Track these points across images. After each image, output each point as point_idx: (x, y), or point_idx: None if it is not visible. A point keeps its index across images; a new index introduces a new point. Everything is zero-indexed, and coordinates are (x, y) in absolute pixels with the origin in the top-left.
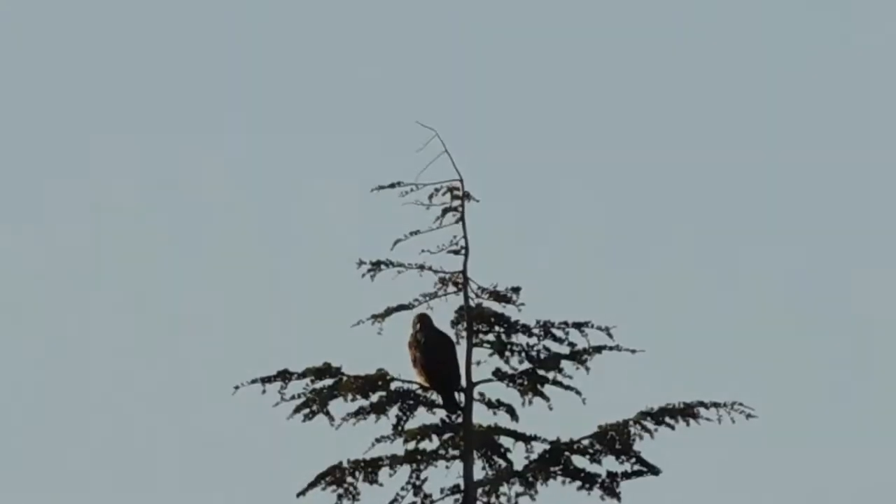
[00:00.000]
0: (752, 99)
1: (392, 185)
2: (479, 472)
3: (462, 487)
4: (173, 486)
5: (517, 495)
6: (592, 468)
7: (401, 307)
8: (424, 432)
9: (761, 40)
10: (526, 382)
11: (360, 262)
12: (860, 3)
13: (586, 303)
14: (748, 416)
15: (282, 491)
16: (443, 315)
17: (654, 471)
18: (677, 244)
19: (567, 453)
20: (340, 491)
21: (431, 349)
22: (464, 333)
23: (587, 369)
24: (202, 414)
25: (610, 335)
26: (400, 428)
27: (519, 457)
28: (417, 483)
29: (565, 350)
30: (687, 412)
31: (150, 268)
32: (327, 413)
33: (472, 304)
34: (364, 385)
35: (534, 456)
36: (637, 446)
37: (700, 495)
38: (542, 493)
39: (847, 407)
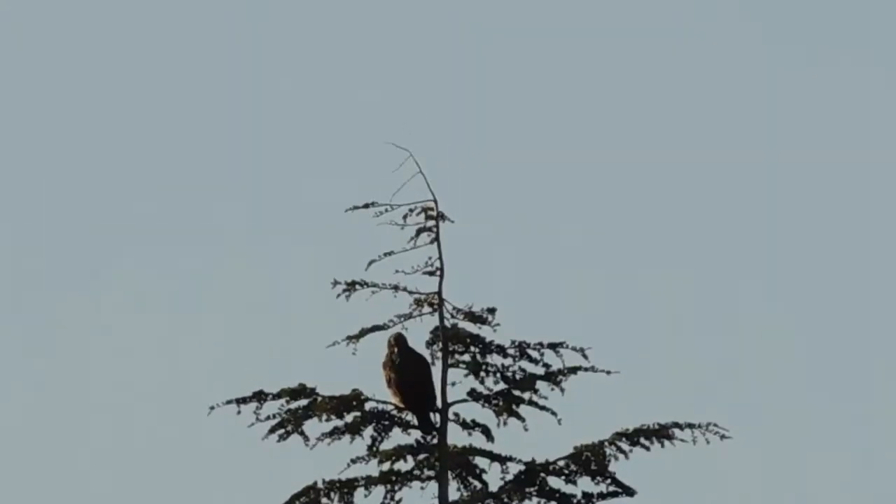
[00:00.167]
0: (732, 118)
1: (366, 206)
2: (454, 493)
3: None
4: None
5: None
6: (568, 489)
7: (376, 328)
8: (399, 453)
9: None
10: (501, 403)
11: (335, 283)
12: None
13: (561, 324)
14: (723, 437)
15: None
16: (418, 336)
17: (629, 492)
18: (652, 266)
19: (542, 474)
20: None
21: (406, 370)
22: (439, 354)
23: (562, 390)
24: (178, 435)
25: (585, 356)
26: (375, 448)
27: (494, 478)
28: None
29: (540, 371)
30: (662, 433)
31: (126, 286)
32: (302, 433)
33: (447, 324)
34: (339, 405)
35: (509, 477)
36: (612, 467)
37: None
38: None
39: (824, 427)
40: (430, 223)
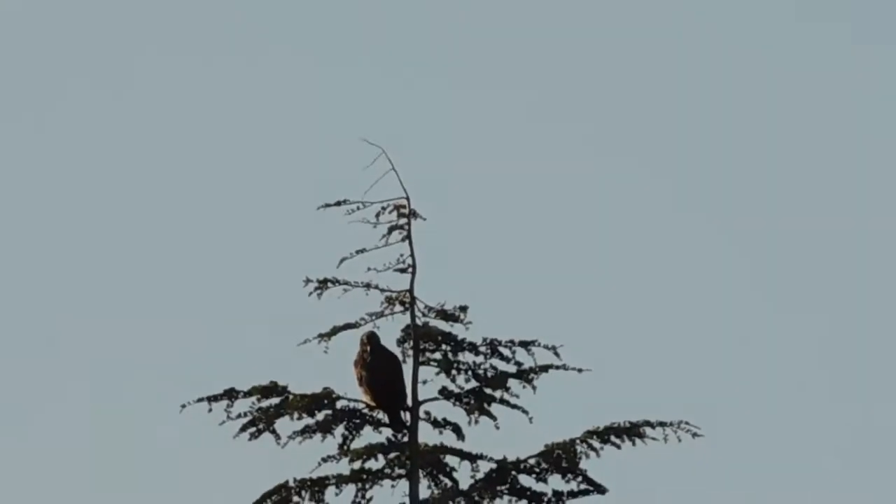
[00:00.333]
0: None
1: (338, 203)
2: (424, 492)
3: None
4: None
5: None
6: (539, 487)
7: (347, 326)
8: (370, 451)
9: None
10: (472, 401)
11: (307, 280)
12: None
13: (533, 322)
14: (694, 435)
15: None
16: (390, 334)
17: (600, 490)
18: (624, 262)
19: (513, 472)
20: None
21: (378, 368)
22: (410, 352)
23: (534, 388)
24: (148, 433)
25: (557, 354)
26: (346, 447)
27: (465, 476)
28: (363, 502)
29: (512, 369)
30: (633, 431)
31: (104, 273)
32: (273, 432)
33: (418, 322)
34: (310, 404)
35: (480, 475)
36: (583, 465)
37: None
38: None
39: (797, 426)
40: (402, 221)
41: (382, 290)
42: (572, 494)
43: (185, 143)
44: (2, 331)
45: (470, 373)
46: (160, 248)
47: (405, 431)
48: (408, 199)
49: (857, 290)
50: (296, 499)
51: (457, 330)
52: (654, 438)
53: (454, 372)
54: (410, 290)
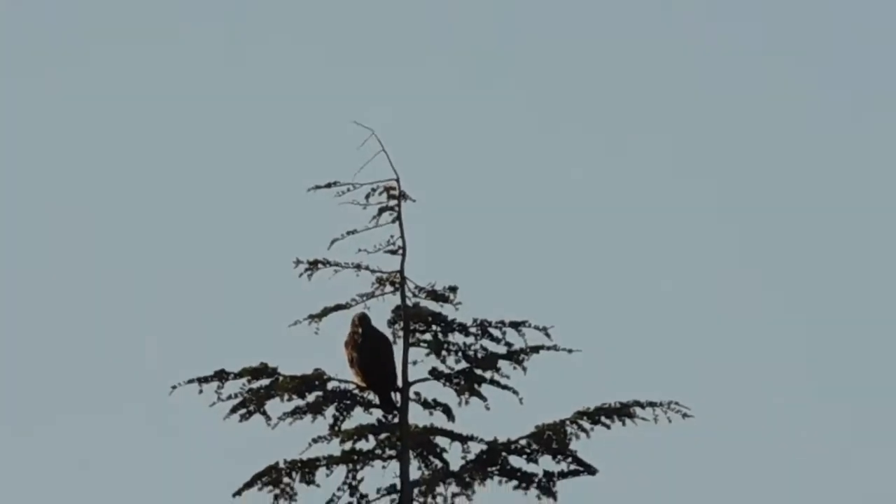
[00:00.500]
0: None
1: (328, 185)
2: (415, 473)
3: (398, 487)
4: (110, 487)
5: (453, 495)
6: (529, 468)
7: (338, 307)
8: (361, 432)
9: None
10: (463, 382)
11: (297, 262)
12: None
13: (523, 302)
14: (684, 415)
15: (218, 491)
16: (380, 315)
17: (590, 470)
18: (614, 243)
19: (504, 453)
20: (277, 491)
21: (368, 349)
22: (400, 333)
23: (524, 369)
24: (139, 413)
25: (547, 335)
26: (336, 428)
27: (455, 457)
28: (354, 483)
29: (502, 350)
30: (623, 412)
31: (96, 262)
32: (264, 413)
33: (409, 303)
34: (300, 385)
35: (470, 456)
36: (574, 446)
37: (636, 495)
38: (479, 494)
39: (790, 406)
40: (393, 202)
41: (373, 272)
42: (563, 475)
43: (176, 128)
44: None
45: (460, 354)
46: (151, 231)
47: (395, 412)
48: (398, 180)
49: (849, 279)
50: (286, 480)
51: (447, 311)
52: (643, 419)
53: (444, 353)
54: (401, 271)
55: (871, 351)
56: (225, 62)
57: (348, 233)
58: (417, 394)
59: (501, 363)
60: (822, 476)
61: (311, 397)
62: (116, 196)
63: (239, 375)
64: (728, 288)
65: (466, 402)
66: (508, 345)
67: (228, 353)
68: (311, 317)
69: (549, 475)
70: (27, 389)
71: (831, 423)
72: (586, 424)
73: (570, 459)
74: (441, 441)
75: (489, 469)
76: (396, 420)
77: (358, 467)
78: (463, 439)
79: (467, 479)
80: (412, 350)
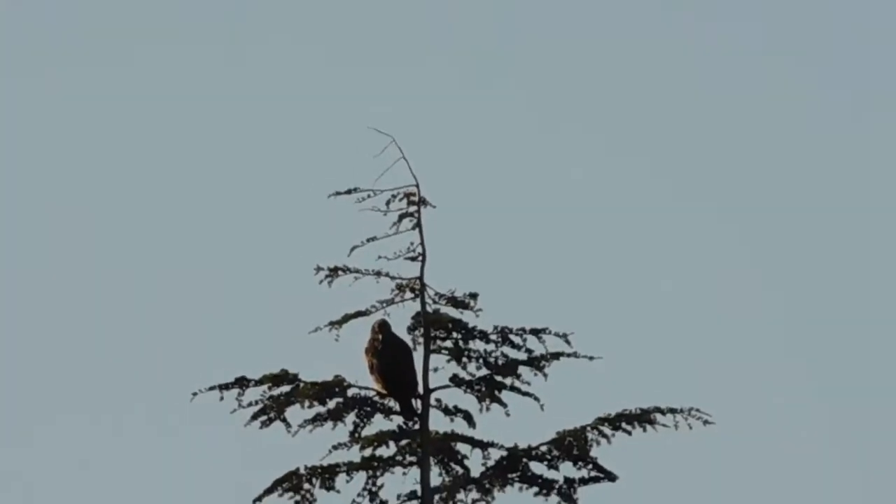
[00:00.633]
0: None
1: (349, 192)
2: (435, 479)
3: (419, 494)
4: (127, 493)
5: (474, 502)
6: (550, 474)
7: (358, 314)
8: (381, 439)
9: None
10: (483, 389)
11: (318, 268)
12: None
13: (544, 309)
14: (705, 422)
15: (239, 497)
16: (400, 321)
17: (611, 477)
18: (634, 249)
19: (524, 460)
20: (297, 497)
21: (388, 356)
22: (421, 340)
23: (545, 375)
24: (159, 421)
25: (567, 342)
26: (357, 434)
27: (476, 463)
28: (374, 489)
29: (523, 356)
30: (644, 418)
31: (111, 273)
32: (284, 420)
33: (429, 310)
34: (321, 392)
35: (491, 462)
36: (594, 452)
37: (657, 502)
38: (499, 500)
39: (806, 413)
40: (413, 208)
41: (393, 278)
42: (583, 482)
43: (197, 133)
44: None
45: (481, 360)
46: (172, 237)
47: (416, 419)
48: (418, 186)
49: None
50: (306, 486)
51: (467, 317)
52: (664, 425)
53: (465, 359)
54: (421, 278)
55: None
56: (225, 63)
57: (368, 239)
58: (438, 400)
59: (522, 370)
60: (837, 479)
61: (331, 404)
62: (133, 200)
63: (259, 382)
64: (751, 295)
65: (487, 409)
66: (529, 351)
67: (249, 360)
68: (332, 323)
69: (569, 482)
70: (59, 391)
71: (851, 426)
72: (607, 431)
73: (590, 466)
74: (462, 447)
75: (510, 475)
76: (417, 426)
77: (378, 474)
78: (483, 446)
79: (488, 486)
80: (433, 357)
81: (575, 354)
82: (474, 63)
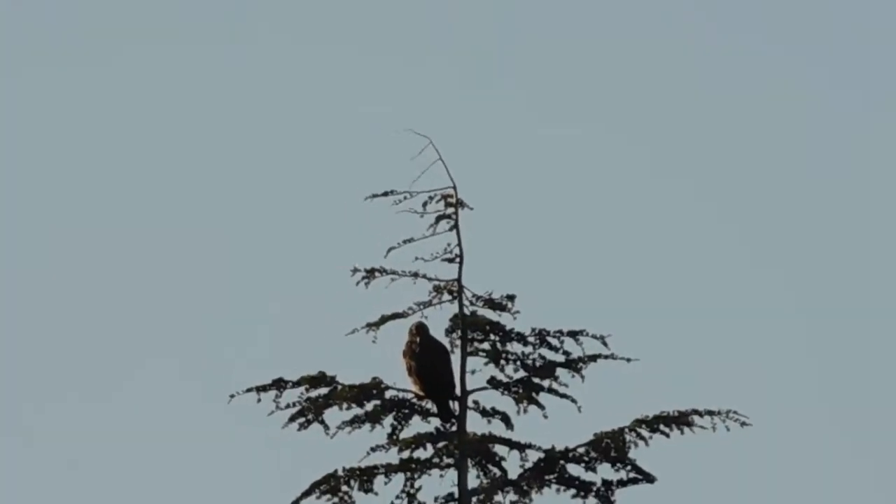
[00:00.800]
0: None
1: (386, 193)
2: (473, 481)
3: (456, 496)
4: (167, 494)
5: None
6: (587, 476)
7: (395, 315)
8: (419, 441)
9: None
10: (521, 391)
11: (355, 270)
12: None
13: (581, 311)
14: (743, 424)
15: (276, 499)
16: (437, 323)
17: (649, 479)
18: (672, 252)
19: (562, 461)
20: (335, 499)
21: (426, 358)
22: (458, 342)
23: (582, 377)
24: (197, 422)
25: (605, 343)
26: (395, 436)
27: (513, 465)
28: (412, 491)
29: (560, 358)
30: (682, 420)
31: (147, 271)
32: (322, 422)
33: (466, 312)
34: (359, 394)
35: (528, 464)
36: (632, 454)
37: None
38: (537, 502)
39: (844, 414)
40: (450, 210)
41: (430, 280)
42: (621, 483)
43: (236, 134)
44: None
45: (518, 362)
46: (210, 239)
47: (454, 421)
48: (455, 188)
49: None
50: (344, 488)
51: (505, 319)
52: (702, 427)
53: (503, 362)
54: (458, 280)
55: None
56: (225, 63)
57: (405, 241)
58: (476, 402)
59: (559, 371)
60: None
61: (369, 406)
62: (169, 201)
63: (297, 384)
64: (783, 293)
65: (525, 411)
66: (566, 353)
67: (286, 362)
68: (369, 325)
69: (607, 483)
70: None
71: (889, 429)
72: (645, 433)
73: (628, 468)
74: (499, 449)
75: (547, 477)
76: (454, 428)
77: (416, 475)
78: (521, 447)
79: (525, 488)
80: (470, 359)
81: (612, 356)
82: (474, 63)
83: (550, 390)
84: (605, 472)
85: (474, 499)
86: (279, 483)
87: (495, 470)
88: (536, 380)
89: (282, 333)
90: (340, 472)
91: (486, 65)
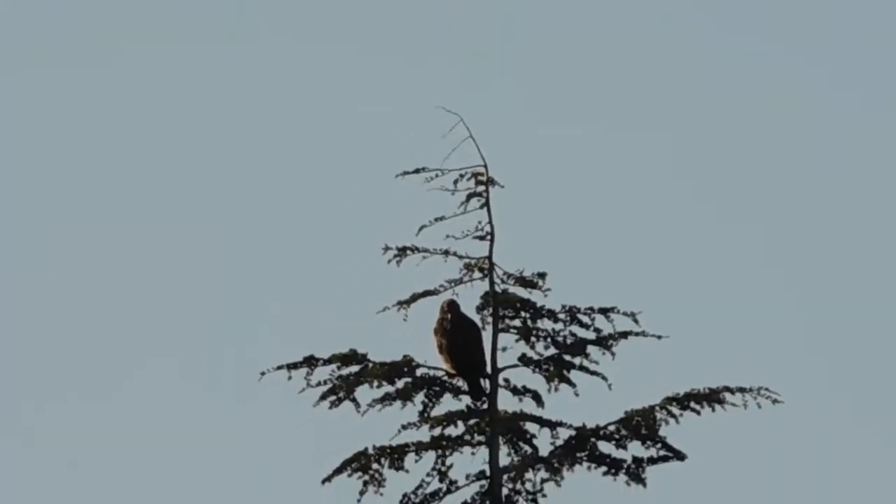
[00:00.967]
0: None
1: (416, 171)
2: (504, 459)
3: (487, 473)
4: (197, 473)
5: (542, 481)
6: (618, 454)
7: (426, 293)
8: (450, 418)
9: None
10: (552, 368)
11: (386, 248)
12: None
13: (612, 288)
14: (774, 401)
15: (308, 477)
16: (468, 301)
17: (679, 456)
18: (703, 228)
19: (593, 439)
20: (366, 477)
21: (458, 335)
22: (489, 319)
23: (613, 355)
24: (228, 401)
25: (636, 320)
26: (426, 414)
27: (544, 443)
28: (443, 469)
29: (591, 336)
30: (713, 397)
31: (178, 255)
32: (353, 400)
33: (497, 289)
34: (390, 371)
35: (559, 442)
36: (663, 432)
37: (726, 481)
38: (568, 479)
39: (874, 392)
40: (481, 188)
41: (461, 258)
42: (652, 461)
43: (236, 133)
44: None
45: (549, 340)
46: (210, 239)
47: (485, 399)
48: (486, 166)
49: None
50: (375, 466)
51: (535, 297)
52: (733, 404)
53: (533, 339)
54: (489, 257)
55: None
56: (225, 63)
57: (436, 219)
58: (507, 380)
59: (590, 349)
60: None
61: (400, 384)
62: (168, 200)
63: (328, 362)
64: (811, 272)
65: (556, 389)
66: (597, 331)
67: (317, 339)
68: (400, 303)
69: (638, 461)
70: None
71: None
72: (675, 410)
73: (659, 445)
74: (530, 427)
75: (578, 455)
76: (485, 406)
77: (447, 453)
78: (552, 425)
79: (556, 465)
80: (501, 336)
81: (643, 333)
82: (474, 63)
83: (581, 368)
84: (636, 449)
85: (505, 476)
86: (310, 461)
87: (526, 447)
88: (567, 357)
89: (313, 311)
90: (371, 450)
91: (486, 65)
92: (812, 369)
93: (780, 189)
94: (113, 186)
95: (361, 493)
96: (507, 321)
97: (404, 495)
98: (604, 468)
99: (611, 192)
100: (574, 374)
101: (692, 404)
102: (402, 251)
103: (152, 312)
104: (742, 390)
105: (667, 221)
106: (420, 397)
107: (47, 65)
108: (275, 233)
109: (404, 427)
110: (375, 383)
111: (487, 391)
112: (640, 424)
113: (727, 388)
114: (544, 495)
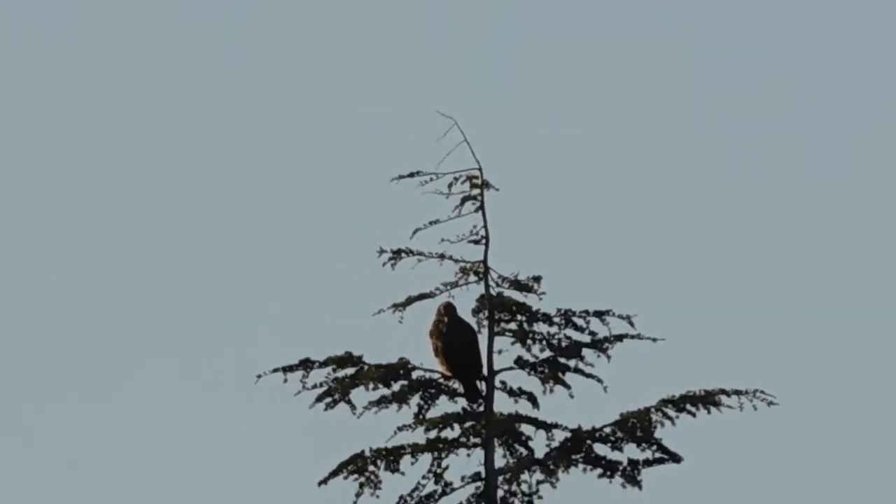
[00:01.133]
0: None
1: (411, 175)
2: (499, 460)
3: (483, 475)
4: (194, 474)
5: (538, 483)
6: (614, 456)
7: (422, 296)
8: (446, 421)
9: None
10: (547, 370)
11: (381, 251)
12: None
13: (609, 290)
14: (770, 403)
15: (304, 479)
16: (464, 304)
17: (675, 458)
18: (702, 229)
19: (588, 441)
20: (362, 479)
21: (454, 338)
22: (485, 322)
23: (608, 357)
24: (228, 401)
25: (631, 323)
26: (421, 416)
27: (540, 445)
28: (438, 471)
29: (586, 338)
30: (708, 400)
31: (172, 257)
32: (349, 402)
33: (493, 293)
34: (386, 374)
35: (555, 444)
36: (658, 434)
37: (722, 483)
38: (563, 481)
39: (874, 392)
40: (475, 191)
41: (456, 261)
42: (647, 463)
43: (236, 133)
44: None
45: (545, 342)
46: (210, 239)
47: (480, 401)
48: (480, 169)
49: None
50: (371, 468)
51: (530, 300)
52: (729, 407)
53: (529, 342)
54: (484, 261)
55: None
56: (307, 53)
57: (431, 222)
58: (503, 382)
59: (586, 352)
60: None
61: (396, 386)
62: (168, 200)
63: (324, 364)
64: (807, 272)
65: (551, 391)
66: (592, 333)
67: (313, 342)
68: (395, 306)
69: (633, 463)
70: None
71: None
72: (671, 412)
73: (654, 447)
74: (526, 429)
75: (574, 457)
76: (481, 408)
77: (443, 455)
78: (547, 427)
79: (552, 467)
80: (497, 339)
81: (638, 336)
82: (474, 63)
83: (577, 370)
84: (632, 451)
85: (501, 478)
86: (306, 463)
87: (522, 449)
88: (563, 360)
89: (308, 314)
90: (367, 452)
91: (486, 65)
92: (811, 370)
93: (779, 189)
94: (113, 186)
95: (358, 495)
96: (502, 324)
97: (400, 497)
98: (599, 470)
99: (609, 192)
100: (569, 377)
101: (688, 406)
102: (398, 254)
103: (152, 312)
104: (738, 392)
105: (666, 222)
106: (416, 400)
107: (47, 65)
108: (274, 233)
109: (400, 429)
110: (371, 386)
111: (483, 393)
112: (636, 426)
113: (723, 391)
114: (540, 497)
